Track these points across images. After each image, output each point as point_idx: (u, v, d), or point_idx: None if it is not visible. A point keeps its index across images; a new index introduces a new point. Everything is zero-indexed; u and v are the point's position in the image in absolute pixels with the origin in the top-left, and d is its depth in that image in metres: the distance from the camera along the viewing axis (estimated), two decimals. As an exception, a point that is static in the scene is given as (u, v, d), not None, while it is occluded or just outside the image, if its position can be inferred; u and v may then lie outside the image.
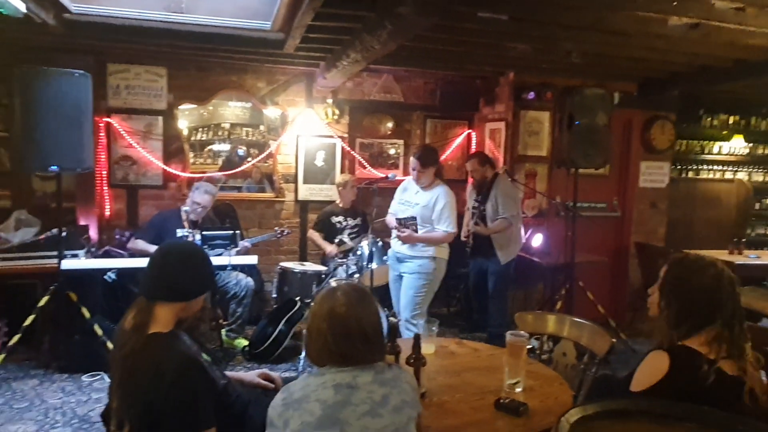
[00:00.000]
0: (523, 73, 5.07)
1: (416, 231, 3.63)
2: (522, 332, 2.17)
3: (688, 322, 1.71)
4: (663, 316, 1.77)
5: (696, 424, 1.32)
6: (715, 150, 6.45)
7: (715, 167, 6.48)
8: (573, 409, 1.41)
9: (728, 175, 6.55)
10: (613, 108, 4.71)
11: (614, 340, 2.38)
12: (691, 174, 6.38)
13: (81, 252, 4.08)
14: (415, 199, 3.77)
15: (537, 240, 4.98)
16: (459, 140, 5.87)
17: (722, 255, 5.25)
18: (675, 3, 3.03)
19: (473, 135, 5.86)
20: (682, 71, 4.81)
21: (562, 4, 3.16)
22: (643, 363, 1.71)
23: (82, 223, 4.70)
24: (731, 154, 6.53)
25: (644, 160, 5.62)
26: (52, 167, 3.61)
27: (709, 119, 6.34)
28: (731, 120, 6.42)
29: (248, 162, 5.26)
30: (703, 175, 6.44)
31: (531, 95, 5.02)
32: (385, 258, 4.12)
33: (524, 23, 3.48)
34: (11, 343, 3.68)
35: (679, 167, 6.25)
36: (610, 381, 2.39)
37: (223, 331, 4.35)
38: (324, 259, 4.99)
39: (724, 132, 6.43)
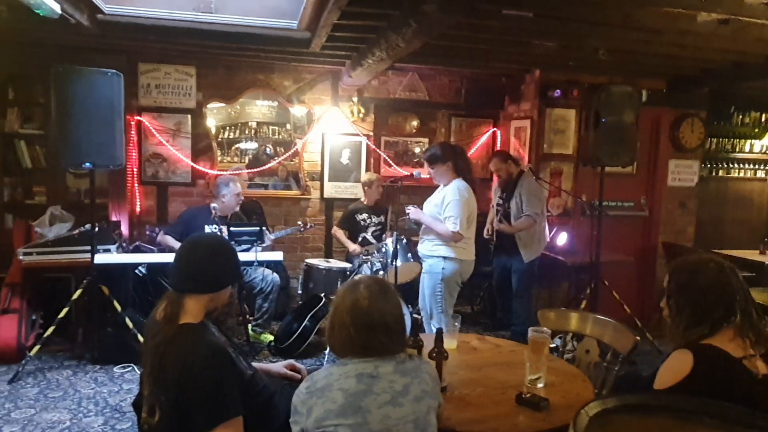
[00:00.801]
0: (549, 71, 5.03)
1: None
2: (544, 328, 2.18)
3: (707, 320, 1.70)
4: (677, 323, 1.76)
5: (717, 419, 1.32)
6: (747, 148, 6.28)
7: (747, 166, 6.31)
8: (592, 402, 1.41)
9: (760, 174, 6.38)
10: (640, 106, 4.63)
11: (638, 338, 2.36)
12: (721, 173, 6.23)
13: (113, 247, 4.20)
14: (435, 197, 3.76)
15: (562, 239, 4.94)
16: (484, 138, 5.85)
17: (753, 255, 5.14)
18: (704, -1, 2.98)
19: (498, 133, 5.83)
20: (712, 68, 4.71)
21: (589, 1, 3.13)
22: (667, 361, 1.70)
23: (114, 218, 4.83)
24: (763, 153, 6.34)
25: (673, 159, 5.52)
26: (86, 164, 3.74)
27: (740, 117, 6.17)
28: (763, 117, 6.24)
29: (275, 160, 5.34)
30: (734, 174, 6.27)
31: (557, 93, 4.98)
32: (409, 255, 4.14)
33: (550, 20, 3.45)
34: (46, 334, 3.82)
35: (709, 166, 6.11)
36: (634, 378, 2.38)
37: (250, 326, 4.44)
38: (349, 256, 5.05)
39: (756, 130, 6.26)
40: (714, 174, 6.17)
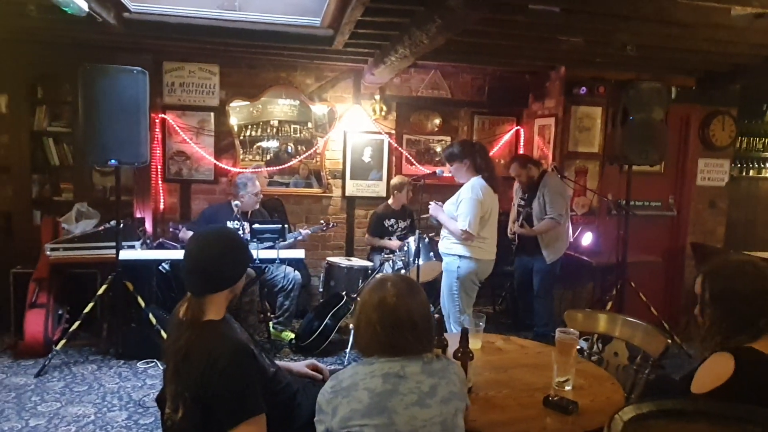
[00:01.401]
0: (575, 68, 4.94)
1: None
2: (571, 330, 2.12)
3: (749, 329, 1.62)
4: (713, 332, 1.67)
5: (758, 426, 1.26)
6: (780, 147, 6.10)
7: (780, 166, 6.13)
8: (627, 407, 1.36)
9: (794, 174, 6.18)
10: (670, 103, 4.53)
11: (669, 341, 2.29)
12: (752, 172, 6.05)
13: (137, 243, 4.24)
14: (454, 196, 3.73)
15: (587, 239, 4.85)
16: (507, 137, 5.78)
17: (787, 257, 4.97)
18: (740, -9, 2.89)
19: (522, 131, 5.75)
20: (744, 63, 4.58)
21: (619, -5, 3.06)
22: (705, 364, 1.63)
23: (138, 215, 4.88)
24: (797, 152, 6.15)
25: (702, 158, 5.38)
26: (112, 162, 3.78)
27: (773, 114, 6.00)
28: (798, 116, 6.05)
29: (296, 159, 5.35)
30: (766, 174, 6.10)
31: (583, 90, 4.88)
32: (431, 254, 4.11)
33: (577, 15, 3.38)
34: (72, 329, 3.88)
35: (740, 165, 5.94)
36: (666, 382, 2.30)
37: (271, 324, 4.45)
38: (370, 254, 5.03)
39: (790, 128, 6.08)
40: (745, 173, 6.00)
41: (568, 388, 2.01)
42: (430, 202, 3.77)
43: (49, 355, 3.84)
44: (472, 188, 3.56)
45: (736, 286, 1.66)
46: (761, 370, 1.55)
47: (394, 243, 4.85)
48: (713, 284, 1.71)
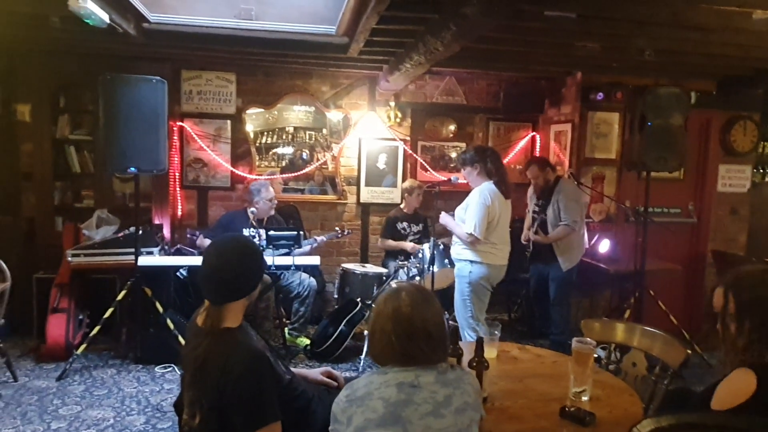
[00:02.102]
0: (592, 73, 4.90)
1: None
2: (588, 339, 2.10)
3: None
4: (745, 344, 1.62)
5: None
6: (804, 153, 5.98)
7: (804, 171, 6.01)
8: (645, 419, 1.35)
9: (819, 180, 6.05)
10: (689, 108, 4.46)
11: (689, 351, 2.25)
12: (776, 178, 5.95)
13: (155, 249, 4.29)
14: (465, 202, 3.76)
15: (604, 246, 4.79)
16: (523, 143, 5.75)
17: (812, 265, 4.86)
18: (760, -5, 2.85)
19: (537, 137, 5.72)
20: (766, 68, 4.50)
21: (635, 0, 3.03)
22: (727, 381, 1.59)
23: (156, 222, 4.94)
24: (822, 157, 6.02)
25: (723, 164, 5.29)
26: (131, 169, 3.84)
27: (797, 119, 5.88)
28: (822, 120, 5.93)
29: (311, 165, 5.38)
30: (790, 180, 5.98)
31: (599, 96, 4.84)
32: (446, 261, 4.10)
33: (594, 21, 3.36)
34: (92, 333, 3.94)
35: (762, 171, 5.83)
36: (685, 394, 2.26)
37: (286, 330, 4.47)
38: (385, 261, 5.03)
39: (814, 133, 5.95)
40: (768, 179, 5.89)
41: (585, 398, 1.98)
42: (441, 213, 3.80)
43: (70, 359, 3.90)
44: (480, 193, 3.60)
45: (765, 295, 1.62)
46: None
47: (407, 244, 4.85)
48: (739, 295, 1.67)
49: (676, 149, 4.19)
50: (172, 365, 3.99)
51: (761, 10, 3.04)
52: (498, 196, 3.61)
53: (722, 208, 5.34)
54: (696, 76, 4.96)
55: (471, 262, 3.62)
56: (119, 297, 3.99)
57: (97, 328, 3.93)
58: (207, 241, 4.40)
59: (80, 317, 4.35)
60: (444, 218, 3.77)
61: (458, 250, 3.70)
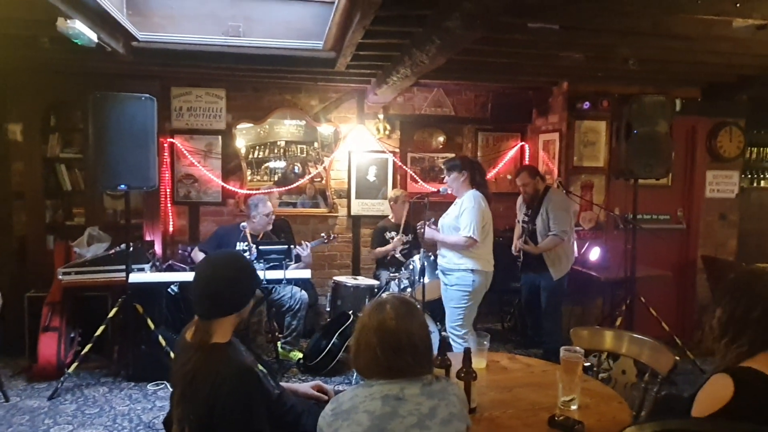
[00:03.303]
0: (578, 83, 4.96)
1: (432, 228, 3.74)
2: (577, 348, 2.11)
3: (751, 338, 1.60)
4: (723, 331, 1.67)
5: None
6: (791, 157, 6.05)
7: (791, 176, 6.07)
8: (629, 427, 1.36)
9: (806, 184, 6.11)
10: (674, 115, 4.52)
11: (677, 357, 2.26)
12: (763, 183, 6.00)
13: (147, 266, 4.28)
14: (452, 210, 3.78)
15: (594, 254, 4.82)
16: (512, 153, 5.79)
17: (801, 269, 4.89)
18: (738, 4, 2.90)
19: (526, 147, 5.77)
20: (750, 74, 4.57)
21: (617, 11, 3.08)
22: (705, 387, 1.60)
23: (148, 238, 4.94)
24: (808, 162, 6.09)
25: (711, 170, 5.34)
26: (121, 186, 3.85)
27: (782, 124, 5.96)
28: (807, 125, 6.00)
29: (303, 179, 5.39)
30: (778, 185, 6.04)
31: (586, 105, 4.89)
32: (437, 272, 4.10)
33: (577, 32, 3.41)
34: (84, 351, 3.92)
35: (750, 176, 5.89)
36: (674, 401, 2.27)
37: (279, 344, 4.46)
38: (376, 273, 5.04)
39: (800, 138, 6.02)
40: (756, 184, 5.94)
41: (573, 407, 1.99)
42: (424, 224, 3.81)
43: (62, 378, 3.87)
44: (473, 198, 3.63)
45: (754, 292, 1.62)
46: (762, 390, 1.52)
47: (395, 240, 4.85)
48: (739, 284, 1.68)
49: (662, 156, 4.23)
50: (165, 382, 3.96)
51: (741, 18, 3.09)
52: (486, 203, 3.69)
53: (711, 214, 5.38)
54: (680, 84, 5.03)
55: (472, 270, 3.62)
56: (111, 314, 3.98)
57: (88, 346, 3.91)
58: (201, 255, 4.40)
59: (72, 335, 4.33)
60: (429, 232, 3.77)
61: (456, 260, 3.67)
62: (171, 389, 3.33)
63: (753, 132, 5.66)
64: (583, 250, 4.83)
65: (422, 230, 3.83)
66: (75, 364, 3.91)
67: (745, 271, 1.70)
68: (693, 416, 1.57)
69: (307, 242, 4.67)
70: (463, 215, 3.60)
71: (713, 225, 5.40)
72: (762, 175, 5.99)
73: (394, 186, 5.52)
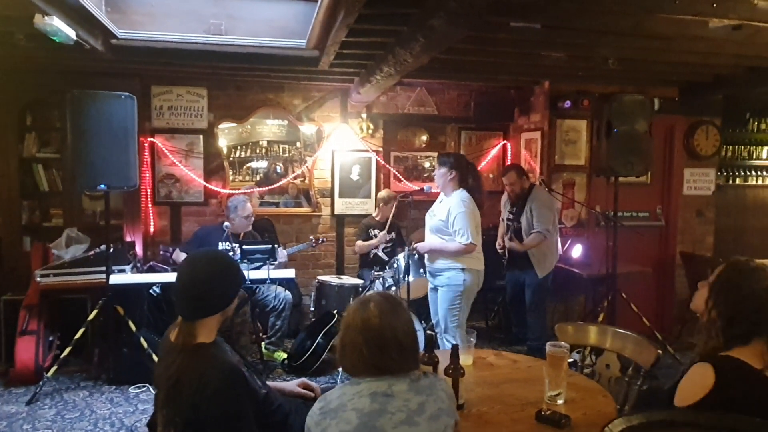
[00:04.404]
0: (559, 82, 5.01)
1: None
2: (562, 343, 2.13)
3: (732, 328, 1.64)
4: (708, 319, 1.70)
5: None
6: (764, 155, 6.19)
7: (765, 173, 6.21)
8: (616, 419, 1.37)
9: (779, 182, 6.27)
10: (653, 114, 4.59)
11: (660, 351, 2.30)
12: (738, 180, 6.13)
13: (127, 267, 4.22)
14: (438, 210, 3.74)
15: (577, 251, 4.88)
16: (494, 151, 5.83)
17: (775, 264, 5.01)
18: (715, 5, 2.95)
19: (509, 146, 5.82)
20: (725, 74, 4.66)
21: (597, 11, 3.12)
22: (687, 376, 1.64)
23: (128, 239, 4.87)
24: (781, 159, 6.24)
25: (688, 167, 5.45)
26: (101, 186, 3.78)
27: (755, 123, 6.10)
28: (780, 123, 6.16)
29: (285, 178, 5.36)
30: (752, 182, 6.17)
31: (567, 104, 4.95)
32: (421, 271, 4.11)
33: (558, 31, 3.45)
34: (63, 355, 3.84)
35: (726, 174, 6.02)
36: (657, 394, 2.31)
37: (263, 345, 4.42)
38: (361, 272, 5.03)
39: (773, 136, 6.18)
40: (731, 182, 6.07)
41: (560, 401, 2.01)
42: (415, 245, 3.81)
43: (41, 383, 3.79)
44: (461, 201, 3.60)
45: (742, 284, 1.66)
46: (742, 379, 1.56)
47: (380, 235, 4.87)
48: (728, 274, 1.72)
49: (642, 154, 4.30)
50: (147, 385, 3.91)
51: (717, 18, 3.15)
52: (473, 203, 3.65)
53: (688, 211, 5.49)
54: (659, 84, 5.11)
55: (463, 269, 3.59)
56: (91, 317, 3.90)
57: (68, 350, 3.83)
58: (183, 255, 4.35)
59: (50, 339, 4.24)
60: (424, 246, 3.74)
61: (448, 262, 3.65)
62: (154, 392, 3.29)
63: (728, 130, 5.80)
64: (565, 248, 4.89)
65: (415, 253, 3.81)
66: (54, 368, 3.83)
67: (737, 269, 1.72)
68: (676, 405, 1.60)
69: (284, 249, 4.63)
70: (455, 221, 3.55)
71: (691, 222, 5.51)
72: (737, 173, 6.12)
73: (377, 184, 5.52)
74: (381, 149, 5.56)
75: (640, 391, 2.30)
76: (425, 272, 3.98)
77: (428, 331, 3.72)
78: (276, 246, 4.27)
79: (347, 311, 1.63)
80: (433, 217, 3.76)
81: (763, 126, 6.12)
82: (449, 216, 3.59)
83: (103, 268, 3.91)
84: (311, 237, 4.93)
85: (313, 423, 1.51)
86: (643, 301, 4.79)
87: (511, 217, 4.56)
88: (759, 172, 6.18)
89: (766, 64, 4.18)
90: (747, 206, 6.18)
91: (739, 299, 1.65)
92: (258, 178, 5.39)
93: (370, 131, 5.45)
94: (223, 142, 5.24)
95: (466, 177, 3.70)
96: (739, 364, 1.58)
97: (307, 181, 5.46)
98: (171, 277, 4.23)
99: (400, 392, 1.49)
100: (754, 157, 6.16)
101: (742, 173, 6.14)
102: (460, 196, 3.63)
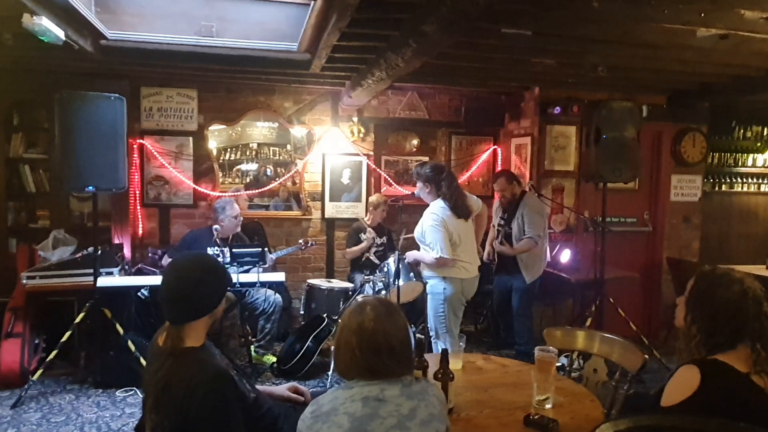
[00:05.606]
0: (549, 88, 5.06)
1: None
2: (551, 348, 2.15)
3: (713, 338, 1.67)
4: (688, 332, 1.73)
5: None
6: (749, 162, 6.28)
7: (750, 180, 6.31)
8: (604, 424, 1.39)
9: (764, 188, 6.36)
10: (641, 121, 4.65)
11: (647, 356, 2.33)
12: (725, 187, 6.22)
13: (115, 270, 4.18)
14: (420, 221, 3.70)
15: (565, 256, 4.91)
16: (484, 156, 5.86)
17: (760, 270, 5.09)
18: (703, 14, 3.00)
19: (499, 151, 5.85)
20: (712, 82, 4.74)
21: (587, 18, 3.15)
22: (674, 377, 1.67)
23: (116, 241, 4.82)
24: (766, 167, 6.34)
25: (675, 174, 5.52)
26: (89, 188, 3.75)
27: (741, 131, 6.19)
28: (765, 131, 6.25)
29: (275, 181, 5.35)
30: (737, 188, 6.27)
31: (557, 110, 5.00)
32: (411, 275, 4.12)
33: (549, 38, 3.48)
34: (49, 358, 3.79)
35: (712, 180, 6.10)
36: (643, 397, 2.33)
37: (252, 348, 4.40)
38: (351, 275, 5.03)
39: (758, 144, 6.27)
40: (717, 188, 6.16)
41: (548, 406, 2.02)
42: (406, 254, 3.83)
43: (26, 386, 3.74)
44: (431, 214, 3.58)
45: (714, 294, 1.69)
46: (726, 380, 1.58)
47: (369, 235, 4.87)
48: (699, 285, 1.75)
49: (630, 161, 4.34)
50: (134, 389, 3.87)
51: (704, 28, 3.21)
52: (446, 212, 3.59)
53: (675, 217, 5.55)
54: (647, 91, 5.18)
55: (443, 278, 3.60)
56: (77, 320, 3.86)
57: (54, 353, 3.79)
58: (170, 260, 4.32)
59: (36, 342, 4.19)
60: (411, 255, 3.77)
61: (430, 272, 3.68)
62: (141, 396, 3.27)
63: (715, 138, 5.88)
64: (554, 253, 4.92)
65: (406, 260, 3.82)
66: (39, 371, 3.78)
67: (708, 279, 1.75)
68: (663, 406, 1.62)
69: (269, 254, 4.61)
70: (426, 235, 3.56)
71: (678, 227, 5.57)
72: (723, 180, 6.21)
73: (368, 188, 5.53)
74: (372, 153, 5.57)
75: (627, 396, 2.32)
76: (415, 276, 3.99)
77: (418, 335, 3.76)
78: (265, 249, 4.26)
79: (344, 313, 1.64)
80: (417, 228, 3.73)
81: (748, 134, 6.22)
82: (422, 229, 3.61)
83: (91, 271, 3.88)
84: (300, 240, 4.92)
85: (304, 427, 1.51)
86: (631, 306, 4.83)
87: (502, 222, 4.59)
88: (744, 179, 6.27)
89: (753, 73, 4.25)
90: (732, 212, 6.27)
91: (714, 311, 1.68)
92: (248, 180, 5.38)
93: (361, 135, 5.46)
94: (213, 145, 5.22)
95: (440, 185, 3.65)
96: (724, 367, 1.61)
97: (297, 184, 5.45)
98: (159, 279, 4.18)
99: (392, 397, 1.49)
100: (740, 164, 6.25)
101: (728, 180, 6.23)
102: (432, 208, 3.62)
